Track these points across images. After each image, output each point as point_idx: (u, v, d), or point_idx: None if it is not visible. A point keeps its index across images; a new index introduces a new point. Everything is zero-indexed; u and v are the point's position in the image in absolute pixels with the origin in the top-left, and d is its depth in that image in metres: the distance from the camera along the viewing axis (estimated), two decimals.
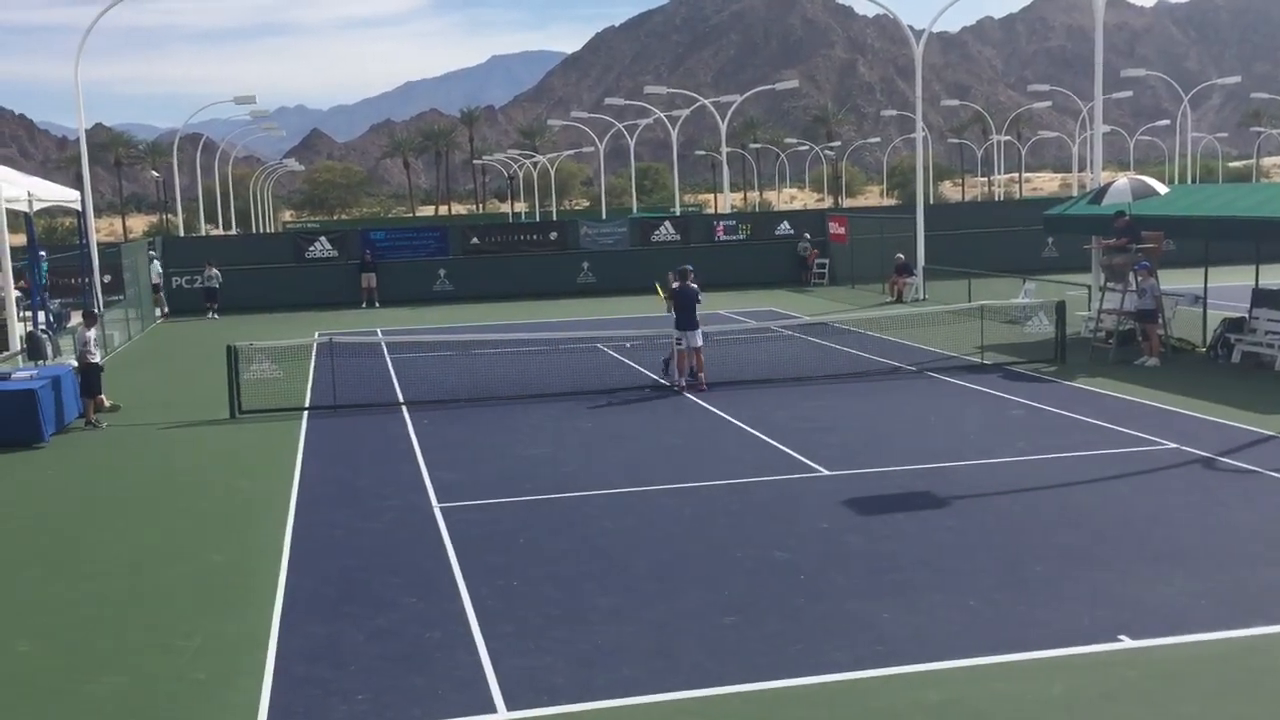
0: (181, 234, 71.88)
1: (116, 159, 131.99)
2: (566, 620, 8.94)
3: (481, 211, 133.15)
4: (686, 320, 18.89)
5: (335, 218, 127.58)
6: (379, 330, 28.79)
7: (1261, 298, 20.18)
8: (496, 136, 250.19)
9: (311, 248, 38.50)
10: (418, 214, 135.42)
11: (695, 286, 19.22)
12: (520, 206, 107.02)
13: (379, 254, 37.76)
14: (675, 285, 19.38)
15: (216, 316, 34.32)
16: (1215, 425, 15.01)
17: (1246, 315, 20.16)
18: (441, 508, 12.33)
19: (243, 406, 17.99)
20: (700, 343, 19.05)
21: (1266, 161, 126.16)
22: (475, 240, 39.61)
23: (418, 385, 19.97)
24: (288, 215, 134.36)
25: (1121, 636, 8.20)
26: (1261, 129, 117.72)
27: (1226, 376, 18.62)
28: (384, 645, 8.57)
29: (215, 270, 35.28)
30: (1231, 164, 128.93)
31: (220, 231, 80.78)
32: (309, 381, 20.73)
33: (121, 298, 30.35)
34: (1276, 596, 8.93)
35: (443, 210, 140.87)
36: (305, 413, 18.10)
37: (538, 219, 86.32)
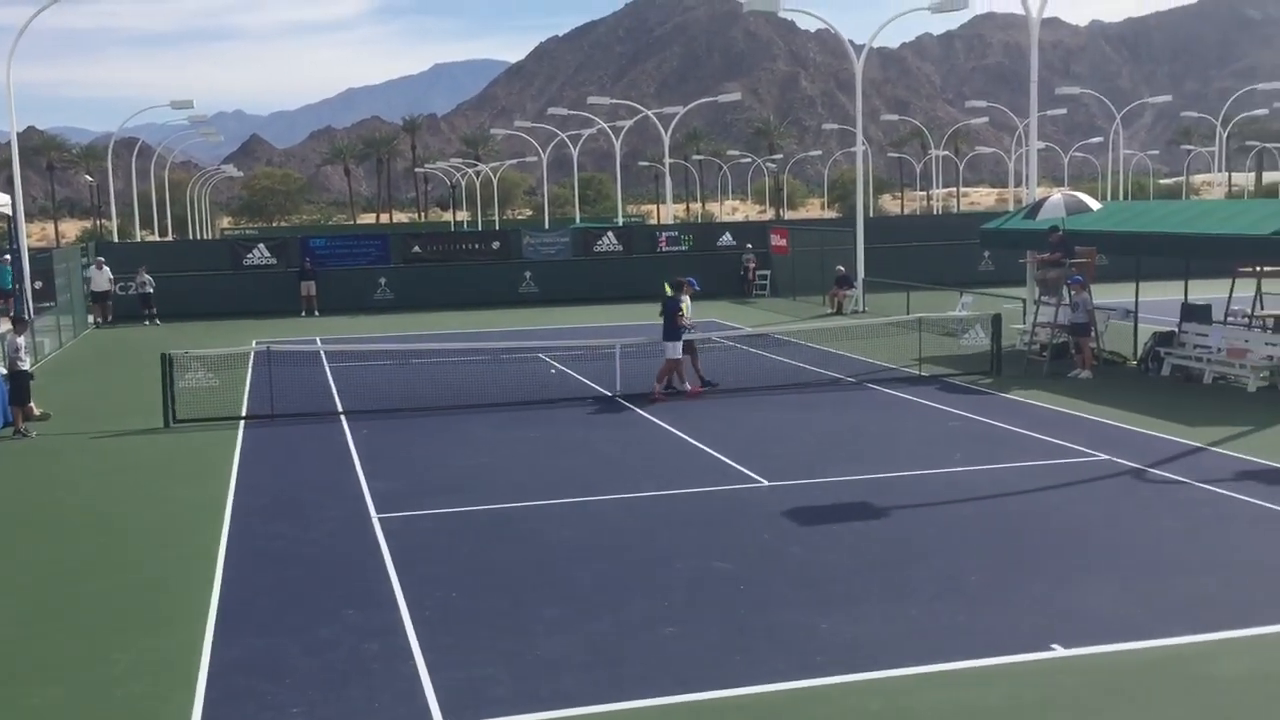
0: (116, 239, 70.59)
1: (49, 163, 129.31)
2: (507, 632, 8.90)
3: (423, 220, 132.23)
4: (665, 331, 19.14)
5: (274, 225, 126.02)
6: (318, 339, 28.48)
7: (1190, 312, 20.65)
8: (439, 145, 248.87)
9: (250, 255, 38.00)
10: (359, 222, 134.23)
11: (676, 297, 19.27)
12: (463, 215, 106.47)
13: (318, 262, 37.34)
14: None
15: (158, 323, 33.76)
16: (1146, 437, 15.32)
17: (1176, 329, 20.61)
18: (380, 518, 12.22)
19: (177, 416, 17.69)
20: (670, 354, 19.12)
21: (1196, 179, 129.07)
22: (417, 249, 39.34)
23: (357, 394, 19.78)
24: (226, 222, 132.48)
25: (1055, 645, 8.33)
26: (1191, 147, 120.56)
27: (1156, 389, 19.01)
28: (321, 658, 8.46)
29: (148, 276, 34.67)
30: (1162, 181, 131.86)
31: (156, 237, 79.44)
32: (246, 390, 20.44)
33: (53, 304, 29.73)
34: (1206, 604, 9.12)
35: (384, 218, 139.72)
36: (241, 422, 17.84)
37: (480, 228, 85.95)
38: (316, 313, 35.80)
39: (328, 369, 23.01)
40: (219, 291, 36.41)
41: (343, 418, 18.07)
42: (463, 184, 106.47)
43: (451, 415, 18.04)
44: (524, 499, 12.88)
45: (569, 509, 12.51)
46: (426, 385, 20.18)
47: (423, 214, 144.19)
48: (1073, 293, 20.53)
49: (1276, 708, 7.38)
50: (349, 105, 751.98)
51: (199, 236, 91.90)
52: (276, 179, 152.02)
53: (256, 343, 23.10)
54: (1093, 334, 20.76)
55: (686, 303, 19.54)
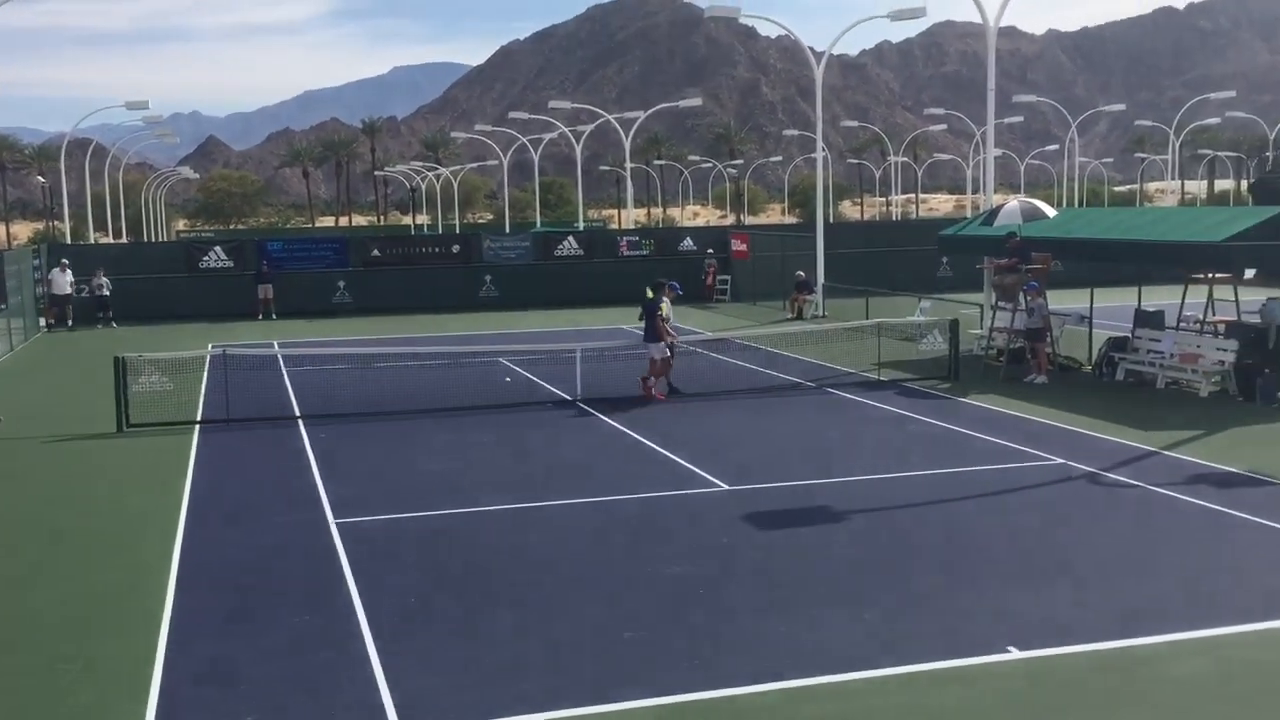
0: (69, 241, 69.62)
1: (1, 163, 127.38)
2: (464, 637, 8.84)
3: (383, 223, 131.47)
4: (646, 333, 19.47)
5: (231, 227, 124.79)
6: (275, 342, 28.17)
7: (1143, 318, 20.91)
8: (399, 148, 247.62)
9: (206, 257, 37.62)
10: (317, 225, 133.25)
11: (656, 299, 19.60)
12: (422, 219, 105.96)
13: (276, 265, 37.02)
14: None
15: (114, 326, 33.32)
16: (1100, 441, 15.49)
17: (1130, 335, 20.87)
18: (337, 523, 12.11)
19: (130, 420, 17.45)
20: (654, 354, 19.43)
21: (1150, 186, 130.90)
22: (376, 252, 39.10)
23: (314, 399, 19.61)
24: (181, 224, 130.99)
25: (1009, 648, 8.39)
26: (1145, 155, 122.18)
27: (1111, 394, 19.24)
28: (275, 665, 8.37)
29: (105, 279, 34.21)
30: (1117, 188, 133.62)
31: (110, 239, 78.40)
32: (201, 394, 20.21)
33: (4, 306, 29.25)
34: (1159, 607, 9.23)
35: (343, 221, 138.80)
36: (196, 427, 17.63)
37: (440, 231, 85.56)
38: (274, 316, 35.48)
39: (285, 373, 22.80)
40: (174, 294, 36.01)
41: (300, 422, 17.91)
42: (423, 187, 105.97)
43: (410, 420, 17.93)
44: (483, 504, 12.82)
45: (528, 513, 12.46)
46: (385, 389, 20.04)
47: (382, 217, 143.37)
48: (1029, 298, 20.74)
49: (1229, 709, 7.48)
50: (307, 107, 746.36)
51: (154, 239, 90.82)
52: (233, 181, 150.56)
53: (212, 346, 22.83)
54: (1048, 339, 20.98)
55: (666, 305, 19.68)
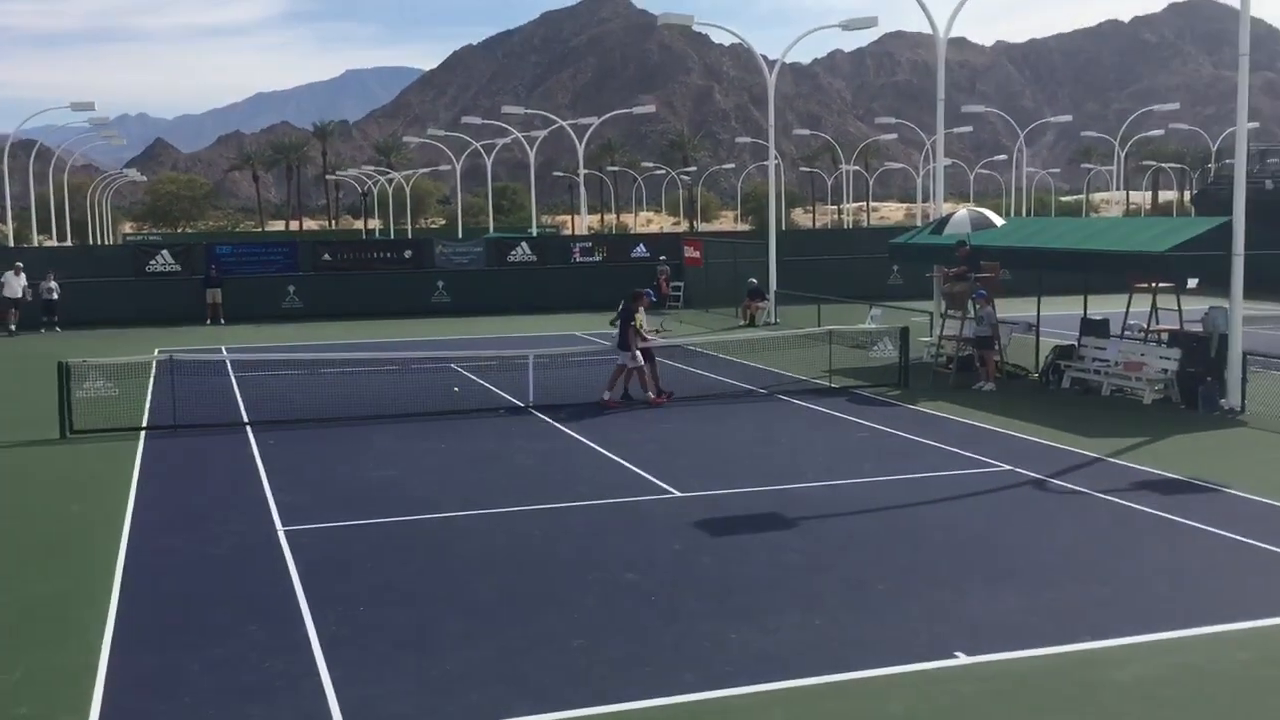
0: (12, 244, 68.37)
1: None
2: (414, 646, 8.79)
3: (334, 228, 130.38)
4: (619, 340, 19.51)
5: (179, 230, 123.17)
6: (224, 348, 27.90)
7: (1089, 327, 21.23)
8: (351, 152, 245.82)
9: (153, 261, 37.12)
10: (267, 229, 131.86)
11: (631, 306, 19.62)
12: (374, 223, 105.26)
13: (225, 269, 36.61)
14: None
15: (59, 330, 32.75)
16: (1046, 448, 15.70)
17: (1076, 343, 21.17)
18: (286, 531, 11.99)
19: (74, 426, 17.17)
20: (625, 362, 19.41)
21: (1096, 197, 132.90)
22: (327, 256, 38.80)
23: (264, 405, 19.39)
24: (128, 227, 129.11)
25: (957, 653, 8.48)
26: (1091, 166, 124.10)
27: (1057, 401, 19.50)
28: (221, 676, 8.26)
29: (54, 283, 33.63)
30: (1063, 198, 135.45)
31: (55, 242, 77.08)
32: (147, 400, 19.91)
33: None
34: (1103, 611, 9.37)
35: (293, 226, 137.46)
36: (142, 433, 17.37)
37: (392, 236, 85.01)
38: (222, 321, 35.08)
39: (233, 378, 22.54)
40: (121, 299, 35.47)
41: (248, 428, 17.71)
42: (375, 192, 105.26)
43: (361, 426, 17.79)
44: (433, 511, 12.75)
45: (478, 521, 12.41)
46: (335, 395, 19.88)
47: (333, 221, 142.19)
48: (978, 306, 20.98)
49: (1168, 712, 7.60)
50: (257, 110, 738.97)
51: (100, 242, 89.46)
52: (182, 184, 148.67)
53: (159, 351, 22.53)
54: (996, 347, 21.23)
55: (641, 314, 19.80)
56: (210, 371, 22.36)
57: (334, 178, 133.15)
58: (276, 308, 36.66)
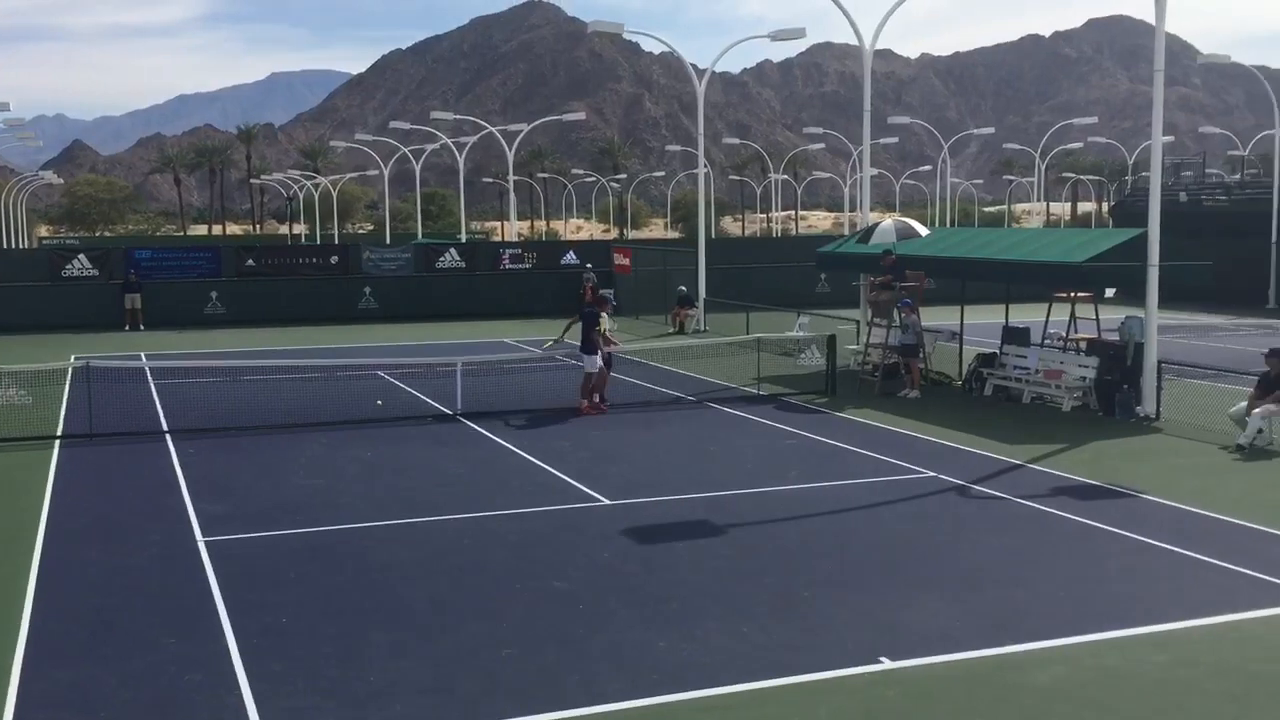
0: None
1: None
2: (339, 658, 8.66)
3: (259, 232, 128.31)
4: (582, 344, 19.41)
5: (98, 234, 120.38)
6: (143, 354, 27.30)
7: (1011, 335, 21.63)
8: (276, 156, 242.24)
9: (69, 266, 36.19)
10: (189, 233, 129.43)
11: (594, 309, 19.81)
12: (300, 228, 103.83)
13: (144, 274, 35.86)
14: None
15: None
16: (969, 454, 15.95)
17: (998, 351, 21.55)
18: (206, 541, 11.76)
19: None
20: (589, 367, 19.36)
21: (1017, 208, 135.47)
22: (250, 262, 38.18)
23: (184, 413, 19.01)
24: (44, 230, 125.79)
25: (882, 658, 8.57)
26: (1013, 177, 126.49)
27: (979, 408, 19.84)
28: (138, 690, 8.07)
29: None
30: (986, 209, 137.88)
31: None
32: (62, 408, 19.42)
33: None
34: (1022, 615, 9.53)
35: (216, 230, 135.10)
36: (57, 442, 16.93)
37: (319, 242, 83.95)
38: (141, 327, 34.36)
39: (153, 386, 22.07)
40: (36, 304, 34.62)
41: (168, 437, 17.35)
42: (301, 196, 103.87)
43: (285, 434, 17.52)
44: (359, 520, 12.59)
45: (405, 530, 12.28)
46: (259, 403, 19.55)
47: (258, 226, 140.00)
48: (903, 315, 21.27)
49: (1088, 714, 7.75)
50: (180, 112, 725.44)
51: (15, 246, 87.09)
52: (100, 186, 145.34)
53: (75, 358, 21.99)
54: (921, 355, 21.53)
55: (605, 320, 19.95)
56: (129, 379, 21.86)
57: (259, 182, 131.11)
58: (199, 314, 36.01)
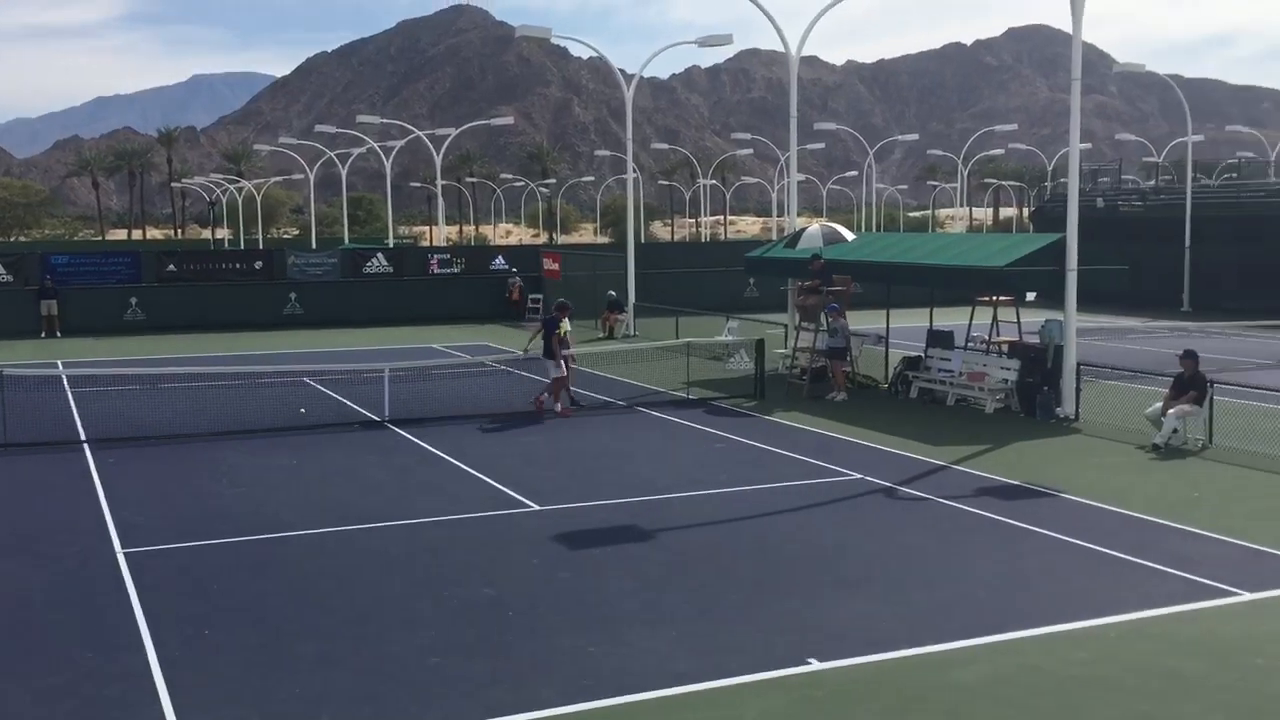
0: None
1: None
2: (263, 669, 8.52)
3: (181, 237, 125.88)
4: (545, 350, 20.00)
5: (12, 239, 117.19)
6: (59, 362, 26.64)
7: (935, 338, 21.96)
8: (198, 159, 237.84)
9: None
10: (108, 238, 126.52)
11: (555, 317, 20.35)
12: (223, 233, 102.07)
13: (61, 279, 35.01)
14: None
15: None
16: (895, 456, 16.16)
17: (923, 354, 21.87)
18: (126, 553, 11.50)
19: None
20: (554, 373, 19.83)
21: (941, 213, 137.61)
22: (172, 267, 37.46)
23: (103, 422, 18.57)
24: None
25: (811, 659, 8.64)
26: (936, 183, 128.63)
27: (905, 411, 20.10)
28: (53, 706, 7.86)
29: None
30: (911, 214, 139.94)
31: None
32: None
33: None
34: (945, 616, 9.67)
35: (137, 235, 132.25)
36: None
37: (243, 246, 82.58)
38: (58, 334, 33.53)
39: (70, 394, 21.54)
40: None
41: (86, 446, 16.94)
42: (224, 200, 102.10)
43: (208, 443, 17.19)
44: (283, 529, 12.39)
45: (331, 538, 12.12)
46: (181, 411, 19.17)
47: (180, 231, 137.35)
48: (831, 319, 21.49)
49: (1012, 711, 7.88)
50: (98, 115, 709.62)
51: None
52: (15, 190, 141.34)
53: None
54: (849, 359, 21.77)
55: (565, 324, 20.31)
56: (45, 387, 21.33)
57: (180, 185, 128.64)
58: (118, 320, 35.23)
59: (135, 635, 9.21)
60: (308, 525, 12.55)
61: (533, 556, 11.42)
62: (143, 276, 36.66)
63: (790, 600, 10.05)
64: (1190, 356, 17.07)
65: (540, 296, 39.39)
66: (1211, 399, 16.65)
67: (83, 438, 17.57)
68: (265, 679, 8.33)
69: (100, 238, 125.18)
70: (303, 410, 19.52)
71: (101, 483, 14.61)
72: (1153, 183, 55.66)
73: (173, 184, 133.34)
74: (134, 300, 35.94)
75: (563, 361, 19.87)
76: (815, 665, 8.55)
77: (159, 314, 35.67)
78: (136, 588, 10.40)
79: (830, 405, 20.51)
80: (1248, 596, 10.10)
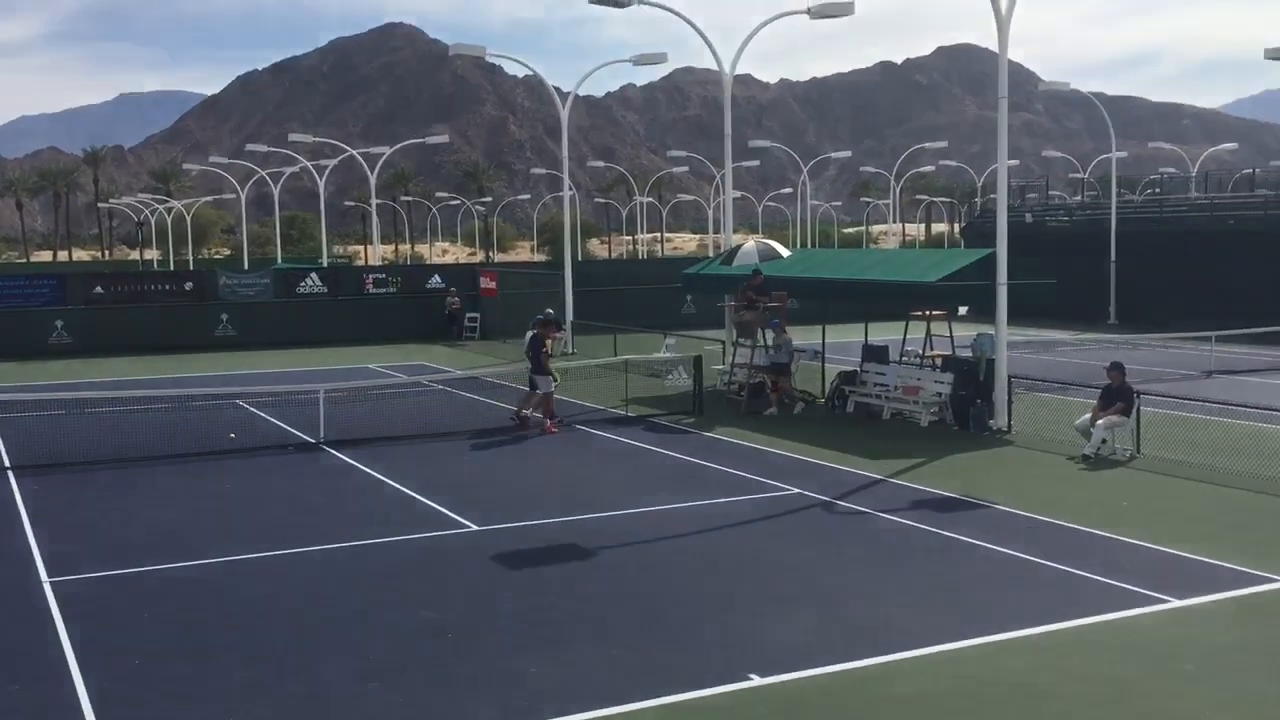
0: None
1: None
2: (196, 699, 8.34)
3: (108, 258, 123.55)
4: (534, 366, 20.19)
5: None
6: None
7: (870, 353, 22.19)
8: (126, 179, 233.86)
9: None
10: (32, 260, 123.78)
11: (540, 334, 20.44)
12: (153, 254, 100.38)
13: None
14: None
15: None
16: (833, 470, 16.28)
17: (858, 369, 22.08)
18: (52, 582, 11.21)
19: None
20: (544, 388, 20.06)
21: (875, 229, 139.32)
22: (99, 289, 36.75)
23: (27, 448, 18.11)
24: None
25: (751, 675, 8.65)
26: (870, 199, 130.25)
27: (842, 425, 20.27)
28: None
29: None
30: (845, 230, 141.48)
31: None
32: None
33: None
34: (883, 629, 9.74)
35: (62, 256, 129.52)
36: None
37: (172, 267, 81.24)
38: None
39: None
40: None
41: (9, 473, 16.50)
42: (153, 221, 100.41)
43: (137, 468, 16.84)
44: (216, 555, 12.16)
45: (265, 563, 11.92)
46: (109, 436, 18.76)
47: (107, 252, 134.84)
48: (776, 335, 21.61)
49: None
50: (21, 134, 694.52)
51: None
52: None
53: None
54: (789, 373, 21.89)
55: (552, 340, 20.90)
56: None
57: (107, 205, 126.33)
58: (42, 344, 34.41)
59: (63, 666, 8.98)
60: (240, 551, 12.33)
61: (472, 577, 11.32)
62: (69, 299, 35.92)
63: (730, 616, 10.06)
64: (1117, 368, 17.43)
65: (478, 315, 39.20)
66: (1138, 409, 17.00)
67: (6, 464, 17.12)
68: (198, 709, 8.16)
69: (24, 260, 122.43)
70: (232, 435, 19.12)
71: (26, 510, 14.25)
72: (1079, 198, 56.90)
73: (99, 204, 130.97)
74: (59, 323, 35.16)
75: (550, 377, 20.16)
76: (756, 681, 8.56)
77: (86, 337, 34.92)
78: (64, 617, 10.14)
79: (768, 420, 20.61)
80: (1177, 603, 10.30)
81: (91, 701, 8.28)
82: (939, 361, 21.50)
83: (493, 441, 19.02)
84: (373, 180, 56.95)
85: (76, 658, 9.15)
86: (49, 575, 11.47)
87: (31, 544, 12.65)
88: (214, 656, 9.21)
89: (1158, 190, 57.88)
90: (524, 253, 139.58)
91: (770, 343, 21.91)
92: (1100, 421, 16.81)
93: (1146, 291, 41.58)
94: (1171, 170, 77.14)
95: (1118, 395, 17.05)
